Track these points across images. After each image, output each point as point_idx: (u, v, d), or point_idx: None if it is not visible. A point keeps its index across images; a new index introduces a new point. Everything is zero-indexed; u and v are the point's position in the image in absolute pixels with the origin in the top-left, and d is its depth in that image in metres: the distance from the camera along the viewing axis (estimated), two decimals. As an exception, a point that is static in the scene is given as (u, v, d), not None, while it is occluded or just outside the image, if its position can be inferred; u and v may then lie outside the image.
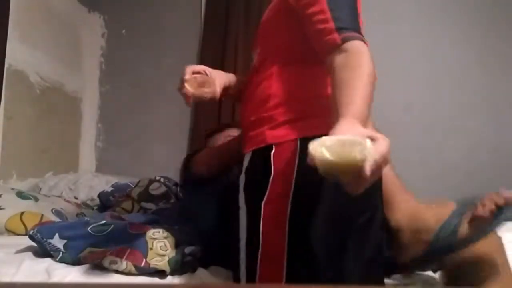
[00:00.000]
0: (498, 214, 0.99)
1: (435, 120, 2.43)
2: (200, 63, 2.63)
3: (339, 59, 0.87)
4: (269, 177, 0.95)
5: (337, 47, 0.89)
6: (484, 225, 0.99)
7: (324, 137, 0.68)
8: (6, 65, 2.04)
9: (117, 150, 2.76)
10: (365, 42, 0.90)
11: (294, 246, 0.91)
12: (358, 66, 0.85)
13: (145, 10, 2.81)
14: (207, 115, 2.55)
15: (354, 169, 0.64)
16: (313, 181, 0.87)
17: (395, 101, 2.43)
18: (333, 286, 0.90)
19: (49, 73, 2.41)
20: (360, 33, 0.91)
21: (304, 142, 0.87)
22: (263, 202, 0.95)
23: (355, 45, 0.88)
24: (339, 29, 0.90)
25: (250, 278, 0.96)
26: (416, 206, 1.11)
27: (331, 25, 0.91)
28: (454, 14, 2.50)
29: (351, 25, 0.91)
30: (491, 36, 2.46)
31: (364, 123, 0.77)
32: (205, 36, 2.66)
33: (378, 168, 0.66)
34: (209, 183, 1.35)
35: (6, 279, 1.08)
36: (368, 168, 0.64)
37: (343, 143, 0.65)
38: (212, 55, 2.60)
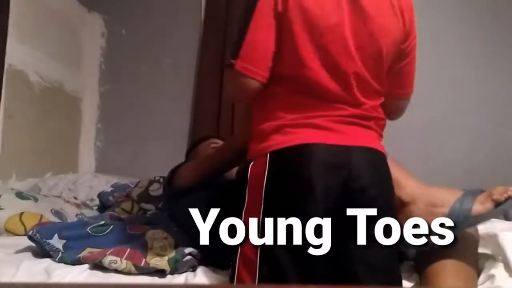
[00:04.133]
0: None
1: (435, 119, 2.42)
2: (200, 63, 2.65)
3: None
4: (246, 188, 1.04)
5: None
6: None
7: None
8: (6, 65, 2.04)
9: (117, 150, 2.75)
10: (239, 69, 1.03)
11: (265, 251, 0.97)
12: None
13: (145, 10, 2.80)
14: (207, 115, 2.55)
15: None
16: (281, 191, 1.00)
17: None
18: (333, 286, 0.90)
19: (49, 73, 2.41)
20: (237, 57, 1.04)
21: (273, 155, 1.01)
22: (243, 209, 1.03)
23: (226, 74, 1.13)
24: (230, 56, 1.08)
25: (232, 280, 1.04)
26: (426, 185, 1.18)
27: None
28: (455, 12, 2.50)
29: (233, 52, 1.06)
30: (491, 35, 2.45)
31: None
32: (205, 36, 2.66)
33: None
34: (192, 193, 1.40)
35: (6, 279, 1.08)
36: None
37: None
38: (212, 55, 2.59)
